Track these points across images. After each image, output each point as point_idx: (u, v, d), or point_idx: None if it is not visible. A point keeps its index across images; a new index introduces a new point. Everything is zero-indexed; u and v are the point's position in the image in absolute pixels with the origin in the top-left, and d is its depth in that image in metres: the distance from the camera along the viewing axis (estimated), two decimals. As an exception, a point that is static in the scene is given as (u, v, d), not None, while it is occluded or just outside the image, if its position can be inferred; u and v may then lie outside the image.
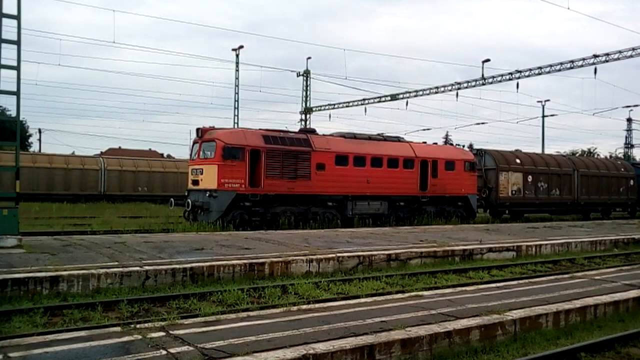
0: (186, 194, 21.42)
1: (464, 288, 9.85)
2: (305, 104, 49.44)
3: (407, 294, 9.08)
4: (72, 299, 9.01)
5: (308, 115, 49.73)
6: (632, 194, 37.81)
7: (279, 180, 20.95)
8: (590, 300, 8.71)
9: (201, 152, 20.77)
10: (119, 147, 74.91)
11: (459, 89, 40.64)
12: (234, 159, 20.01)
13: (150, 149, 79.17)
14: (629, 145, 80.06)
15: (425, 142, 28.29)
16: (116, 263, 10.63)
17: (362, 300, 8.54)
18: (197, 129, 21.18)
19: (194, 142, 21.52)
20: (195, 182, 20.80)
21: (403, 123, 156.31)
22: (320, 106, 50.15)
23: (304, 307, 7.89)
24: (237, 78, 45.17)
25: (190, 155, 21.97)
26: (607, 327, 8.10)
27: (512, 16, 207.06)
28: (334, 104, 49.17)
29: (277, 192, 20.93)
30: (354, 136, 24.39)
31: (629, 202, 38.11)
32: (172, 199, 22.24)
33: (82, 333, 6.16)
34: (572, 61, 35.16)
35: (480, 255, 15.40)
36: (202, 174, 20.52)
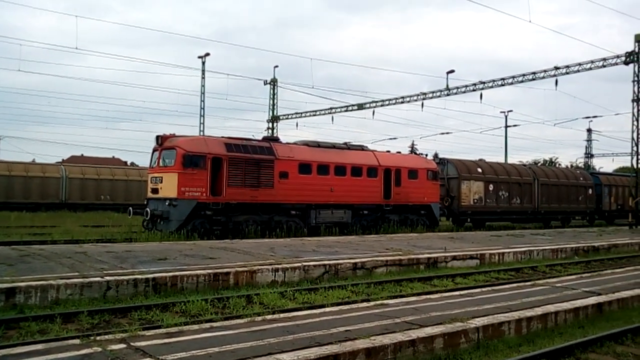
0: (145, 202, 21.06)
1: (428, 296, 9.92)
2: (273, 113, 49.37)
3: (372, 303, 9.09)
4: (29, 311, 8.74)
5: (275, 124, 49.67)
6: (591, 203, 38.78)
7: (242, 189, 20.77)
8: (551, 308, 8.85)
9: (161, 160, 20.43)
10: (82, 155, 73.72)
11: (424, 99, 41.12)
12: (195, 167, 19.77)
13: (113, 157, 78.11)
14: (588, 155, 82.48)
15: (389, 151, 28.47)
16: (77, 273, 10.37)
17: (328, 309, 8.51)
18: (157, 137, 20.78)
19: (154, 150, 21.11)
20: (155, 191, 20.44)
21: (370, 132, 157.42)
22: (288, 115, 50.13)
23: (269, 317, 7.82)
24: (203, 85, 45.06)
25: (150, 163, 21.56)
26: (568, 334, 8.23)
27: (480, 28, 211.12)
28: (302, 113, 49.20)
29: (239, 201, 20.74)
30: (317, 145, 24.39)
31: (587, 210, 39.06)
32: (130, 208, 21.77)
33: (39, 346, 5.97)
34: (534, 72, 35.86)
35: (445, 263, 15.54)
36: (161, 182, 20.19)
